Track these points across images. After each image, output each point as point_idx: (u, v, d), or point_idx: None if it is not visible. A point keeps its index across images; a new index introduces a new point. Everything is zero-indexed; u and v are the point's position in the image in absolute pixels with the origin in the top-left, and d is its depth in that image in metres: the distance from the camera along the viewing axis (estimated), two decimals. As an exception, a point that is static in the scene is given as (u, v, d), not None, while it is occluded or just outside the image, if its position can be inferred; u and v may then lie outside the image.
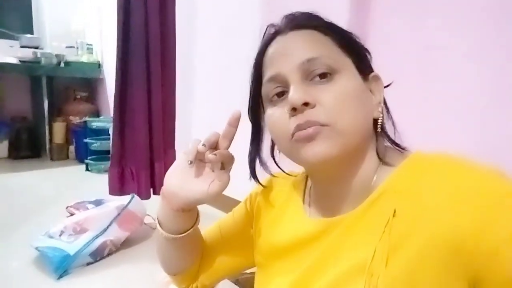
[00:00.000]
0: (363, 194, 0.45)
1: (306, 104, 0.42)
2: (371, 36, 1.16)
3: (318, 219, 0.50)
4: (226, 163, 0.50)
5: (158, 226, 0.56)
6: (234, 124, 0.50)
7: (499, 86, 0.91)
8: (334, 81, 0.43)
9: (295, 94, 0.42)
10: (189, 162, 0.49)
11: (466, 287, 0.36)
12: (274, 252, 0.54)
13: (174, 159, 1.87)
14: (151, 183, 1.72)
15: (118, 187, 1.65)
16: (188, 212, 0.54)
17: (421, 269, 0.36)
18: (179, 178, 0.51)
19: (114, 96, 1.60)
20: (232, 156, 0.51)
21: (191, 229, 0.55)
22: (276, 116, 0.46)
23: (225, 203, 1.60)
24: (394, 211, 0.40)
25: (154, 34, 1.61)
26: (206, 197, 0.50)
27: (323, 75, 0.43)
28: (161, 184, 0.53)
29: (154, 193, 1.73)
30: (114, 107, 1.61)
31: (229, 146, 0.51)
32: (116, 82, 1.61)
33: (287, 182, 0.60)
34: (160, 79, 1.67)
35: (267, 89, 0.47)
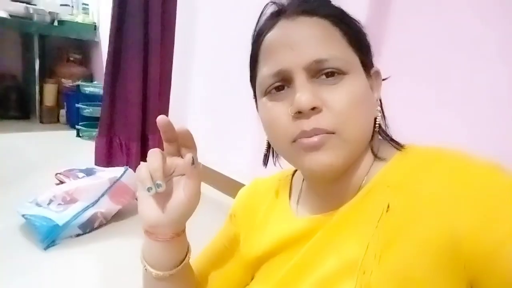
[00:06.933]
0: (355, 190, 0.43)
1: (313, 108, 0.38)
2: (391, 30, 1.10)
3: (306, 217, 0.47)
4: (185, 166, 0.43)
5: (147, 266, 0.47)
6: (167, 130, 0.43)
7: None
8: (342, 83, 0.40)
9: (303, 97, 0.38)
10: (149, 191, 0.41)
11: (464, 286, 0.34)
12: (260, 258, 0.50)
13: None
14: (143, 156, 1.63)
15: (105, 158, 1.56)
16: (180, 237, 0.47)
17: (416, 266, 0.35)
18: (153, 207, 0.43)
19: (107, 59, 1.50)
20: (188, 156, 0.43)
21: (186, 258, 0.49)
22: (275, 113, 0.42)
23: (226, 184, 1.57)
24: (388, 206, 0.38)
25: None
26: (190, 205, 0.43)
27: (330, 73, 0.40)
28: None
29: None
30: (106, 70, 1.51)
31: (176, 149, 0.45)
32: (109, 45, 1.51)
33: (272, 184, 0.56)
34: (159, 45, 1.56)
35: (265, 81, 0.43)
